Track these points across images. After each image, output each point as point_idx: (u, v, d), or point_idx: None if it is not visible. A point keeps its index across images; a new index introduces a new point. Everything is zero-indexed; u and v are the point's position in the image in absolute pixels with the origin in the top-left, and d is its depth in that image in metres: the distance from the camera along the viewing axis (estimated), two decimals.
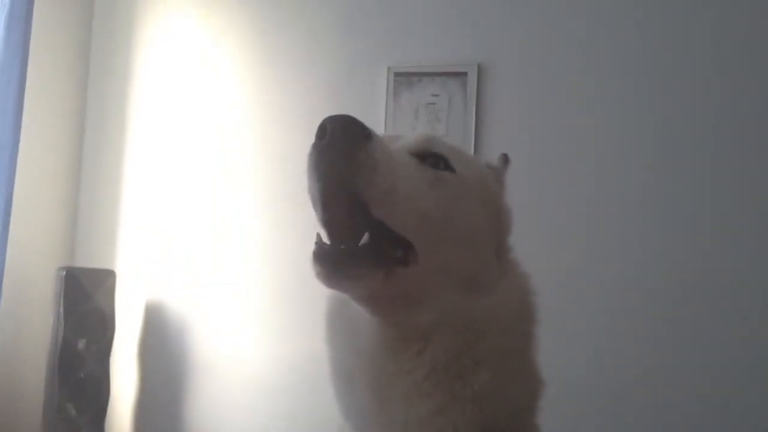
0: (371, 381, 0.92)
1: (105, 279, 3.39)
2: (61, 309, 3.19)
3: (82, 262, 3.65)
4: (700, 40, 2.82)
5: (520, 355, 0.98)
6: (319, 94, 3.31)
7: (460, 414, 0.90)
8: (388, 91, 3.13)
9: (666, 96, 2.82)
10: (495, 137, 2.97)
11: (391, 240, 0.88)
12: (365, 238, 0.85)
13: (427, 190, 0.92)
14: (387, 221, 0.87)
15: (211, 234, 3.47)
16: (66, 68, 3.73)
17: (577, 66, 2.96)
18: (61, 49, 3.70)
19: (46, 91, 3.59)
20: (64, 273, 3.23)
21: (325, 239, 0.90)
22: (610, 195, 2.84)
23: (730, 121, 2.75)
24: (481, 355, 0.92)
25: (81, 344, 3.25)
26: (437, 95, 3.06)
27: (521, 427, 0.98)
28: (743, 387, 2.59)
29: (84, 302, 3.26)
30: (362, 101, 3.21)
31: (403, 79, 3.12)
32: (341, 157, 0.85)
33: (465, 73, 3.04)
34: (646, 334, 2.72)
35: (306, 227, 3.27)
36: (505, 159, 1.18)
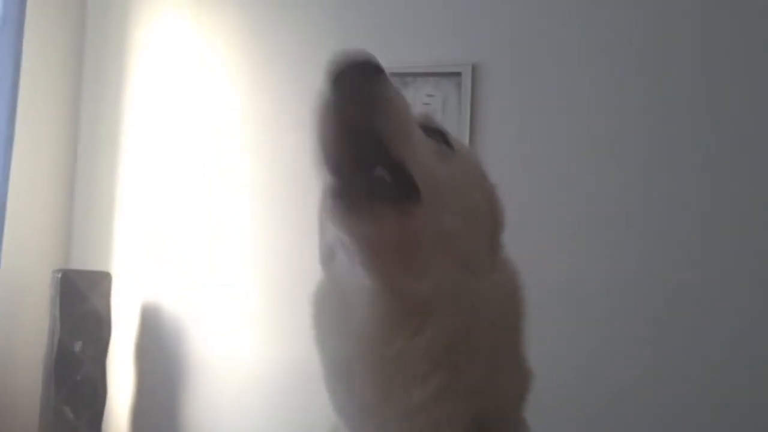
0: (369, 367, 0.92)
1: (101, 281, 3.39)
2: (57, 311, 3.19)
3: (78, 264, 3.65)
4: (696, 40, 2.83)
5: (511, 349, 0.99)
6: (312, 94, 3.30)
7: (454, 405, 0.91)
8: None
9: (661, 96, 2.83)
10: (490, 137, 2.97)
11: (401, 182, 0.86)
12: (380, 172, 0.84)
13: (435, 158, 0.92)
14: (407, 161, 0.85)
15: (207, 235, 3.47)
16: (59, 70, 3.72)
17: (571, 66, 2.96)
18: (54, 50, 3.69)
19: (40, 93, 3.58)
20: (60, 275, 3.23)
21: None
22: (605, 195, 2.84)
23: (727, 120, 2.76)
24: (474, 347, 0.92)
25: (77, 346, 3.25)
26: (432, 96, 3.06)
27: (509, 421, 0.98)
28: (743, 386, 2.60)
29: (80, 304, 3.25)
30: None
31: (397, 80, 3.11)
32: (360, 91, 0.83)
33: (459, 74, 3.04)
34: (644, 334, 2.73)
35: (302, 228, 3.29)
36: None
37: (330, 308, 1.01)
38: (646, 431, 2.68)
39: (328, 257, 1.00)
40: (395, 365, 0.91)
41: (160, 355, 3.47)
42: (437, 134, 0.98)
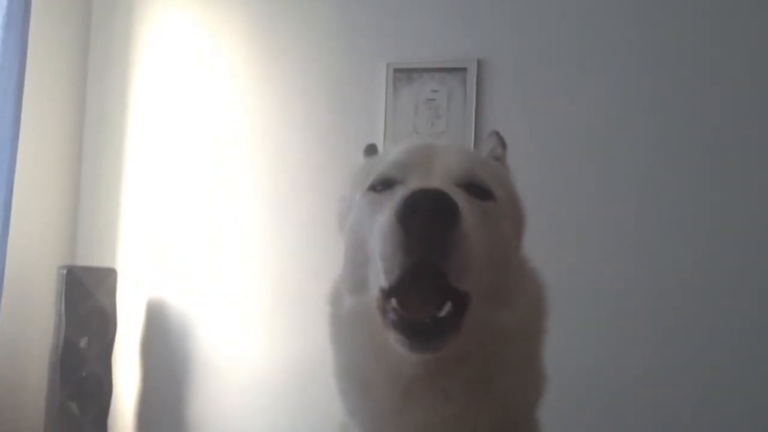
0: (395, 389, 0.91)
1: (106, 277, 3.39)
2: (63, 308, 3.20)
3: (83, 260, 3.65)
4: (705, 34, 2.81)
5: (536, 353, 1.00)
6: (318, 91, 3.31)
7: (480, 416, 0.91)
8: (387, 88, 3.13)
9: (667, 90, 2.82)
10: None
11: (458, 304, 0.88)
12: (447, 308, 0.85)
13: (481, 229, 0.91)
14: (461, 287, 0.86)
15: (212, 232, 3.47)
16: (65, 67, 3.72)
17: (576, 61, 2.95)
18: (59, 47, 3.69)
19: (45, 90, 3.58)
20: (65, 271, 3.23)
21: (385, 283, 0.87)
22: (611, 190, 2.84)
23: (733, 115, 2.74)
24: (508, 361, 0.94)
25: (83, 343, 3.26)
26: (437, 91, 3.06)
27: (526, 422, 1.00)
28: (745, 385, 2.59)
29: (85, 301, 3.26)
30: (361, 98, 3.21)
31: (403, 75, 3.12)
32: (434, 239, 0.83)
33: (464, 69, 3.04)
34: (647, 332, 2.72)
35: (306, 225, 3.29)
36: (501, 140, 1.19)
37: (356, 324, 0.99)
38: (649, 428, 2.67)
39: (359, 287, 0.98)
40: (422, 383, 0.91)
41: (166, 351, 3.48)
42: (482, 190, 0.97)
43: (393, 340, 0.87)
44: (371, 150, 1.26)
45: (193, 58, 3.60)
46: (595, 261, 2.81)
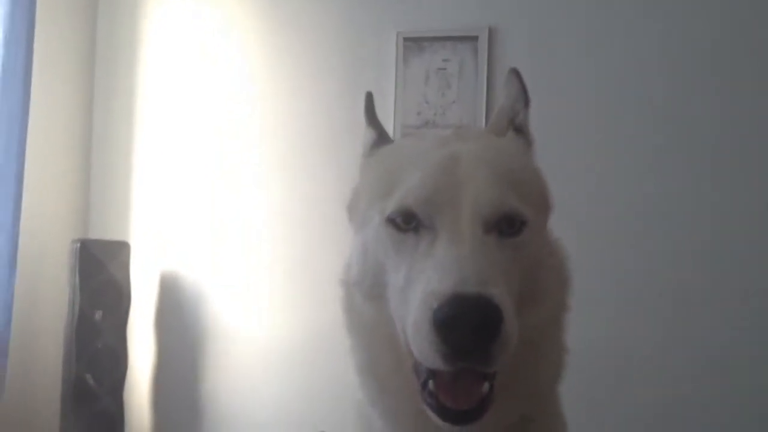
0: (415, 394, 0.89)
1: (119, 250, 3.41)
2: (77, 281, 3.21)
3: (96, 234, 3.66)
4: (725, 9, 2.76)
5: (562, 333, 1.00)
6: (328, 61, 3.28)
7: (507, 404, 0.90)
8: (397, 57, 3.10)
9: (686, 58, 2.76)
10: None
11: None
12: (485, 389, 0.84)
13: (513, 267, 0.88)
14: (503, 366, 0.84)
15: (224, 205, 3.46)
16: (73, 38, 3.71)
17: (590, 30, 2.91)
18: (68, 18, 3.67)
19: (55, 63, 3.57)
20: (79, 245, 3.25)
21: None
22: (623, 161, 2.79)
23: (744, 93, 2.69)
24: (538, 354, 0.94)
25: (97, 316, 3.28)
26: (447, 60, 3.02)
27: (550, 397, 1.00)
28: (755, 363, 2.58)
29: (99, 274, 3.28)
30: (372, 68, 3.18)
31: (413, 45, 3.08)
32: (476, 350, 0.79)
33: (476, 37, 3.00)
34: (656, 307, 2.71)
35: (317, 196, 3.28)
36: (522, 91, 1.12)
37: (373, 332, 0.98)
38: (658, 403, 2.67)
39: (375, 297, 0.96)
40: None
41: (180, 324, 3.50)
42: (514, 220, 0.92)
43: (429, 414, 0.86)
44: (371, 108, 1.21)
45: (203, 30, 3.57)
46: (604, 234, 2.78)
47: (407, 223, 0.92)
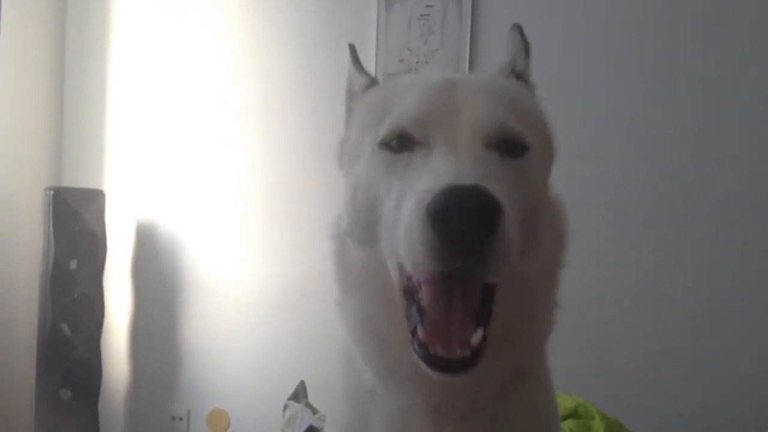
0: (408, 348, 0.85)
1: (94, 199, 3.35)
2: (51, 230, 3.16)
3: (70, 182, 3.60)
4: None
5: (555, 289, 0.97)
6: (309, 7, 3.20)
7: (500, 362, 0.88)
8: (379, 2, 3.02)
9: (675, 17, 2.70)
10: (492, 50, 2.87)
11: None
12: (478, 336, 0.79)
13: (515, 192, 0.83)
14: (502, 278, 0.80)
15: (200, 151, 3.41)
16: None
17: None
18: None
19: (25, 9, 3.45)
20: (52, 193, 3.18)
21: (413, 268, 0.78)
22: (610, 115, 2.74)
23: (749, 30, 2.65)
24: (531, 310, 0.92)
25: (73, 264, 3.24)
26: (431, 6, 2.95)
27: (537, 354, 0.99)
28: (741, 315, 2.58)
29: (73, 222, 3.22)
30: (353, 13, 3.10)
31: None
32: (472, 247, 0.72)
33: None
34: (642, 259, 2.70)
35: (296, 142, 3.22)
36: (524, 42, 1.10)
37: (366, 279, 0.93)
38: (643, 355, 2.69)
39: (368, 241, 0.91)
40: None
41: (157, 272, 3.47)
42: (515, 144, 0.88)
43: (420, 364, 0.81)
44: (357, 59, 1.16)
45: None
46: (591, 187, 2.73)
47: (402, 145, 0.87)
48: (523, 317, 0.90)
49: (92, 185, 3.50)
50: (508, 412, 0.92)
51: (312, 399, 2.60)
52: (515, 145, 0.87)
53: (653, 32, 2.71)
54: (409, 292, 0.84)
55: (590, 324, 2.57)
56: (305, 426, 2.37)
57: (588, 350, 2.59)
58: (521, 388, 0.93)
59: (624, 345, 2.65)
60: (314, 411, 2.48)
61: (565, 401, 2.01)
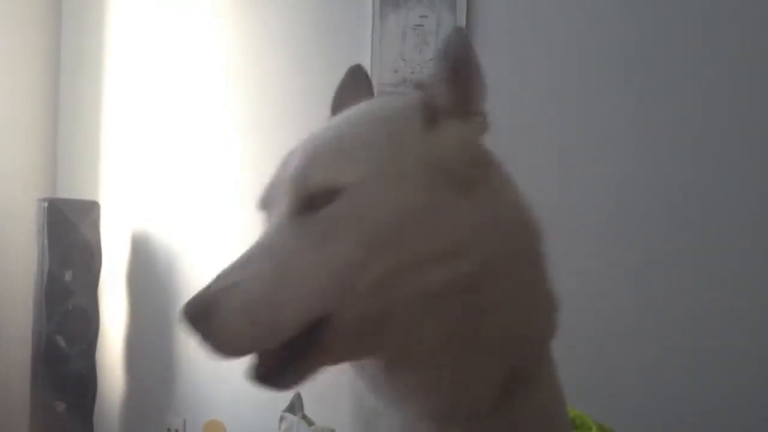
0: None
1: (89, 210, 3.34)
2: (45, 241, 3.15)
3: (65, 193, 3.59)
4: None
5: (530, 286, 0.89)
6: (303, 16, 3.20)
7: (483, 357, 0.85)
8: (374, 13, 3.02)
9: (677, 19, 2.70)
10: (488, 60, 2.84)
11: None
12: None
13: (314, 251, 0.78)
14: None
15: (195, 162, 3.40)
16: None
17: None
18: None
19: (19, 15, 3.46)
20: (47, 204, 3.17)
21: None
22: (611, 129, 2.73)
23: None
24: (485, 304, 0.83)
25: (67, 276, 3.23)
26: (425, 16, 2.96)
27: (541, 361, 0.93)
28: (738, 315, 2.58)
29: (68, 234, 3.21)
30: (347, 24, 3.10)
31: (390, 0, 3.00)
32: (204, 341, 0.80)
33: None
34: (638, 258, 2.70)
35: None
36: (460, 38, 0.92)
37: None
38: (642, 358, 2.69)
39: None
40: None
41: (152, 284, 3.46)
42: (321, 195, 0.80)
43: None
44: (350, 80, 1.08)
45: None
46: (592, 188, 2.72)
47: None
48: (507, 314, 0.85)
49: (87, 196, 3.49)
50: (516, 414, 0.89)
51: (308, 411, 2.59)
52: (325, 194, 0.80)
53: (653, 32, 2.69)
54: None
55: (589, 325, 2.56)
56: None
57: (588, 351, 2.58)
58: (527, 389, 0.89)
59: (624, 345, 2.64)
60: (310, 423, 2.47)
61: None
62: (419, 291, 0.79)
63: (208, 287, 0.77)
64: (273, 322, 0.76)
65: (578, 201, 2.72)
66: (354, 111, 0.91)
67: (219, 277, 0.78)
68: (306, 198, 0.80)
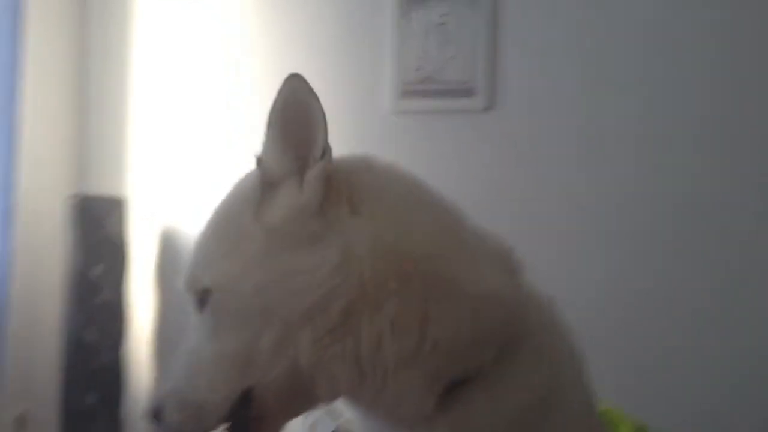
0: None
1: (117, 206, 3.40)
2: (74, 237, 3.21)
3: (93, 189, 3.65)
4: None
5: (425, 301, 0.85)
6: (325, 15, 3.22)
7: (416, 369, 0.85)
8: (394, 12, 3.03)
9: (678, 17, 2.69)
10: (512, 60, 2.84)
11: None
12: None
13: (212, 342, 0.94)
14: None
15: (225, 157, 3.43)
16: None
17: None
18: None
19: (48, 14, 3.51)
20: (75, 201, 3.24)
21: None
22: (626, 125, 2.73)
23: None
24: (380, 328, 0.85)
25: (96, 271, 3.28)
26: (447, 14, 2.96)
27: (499, 359, 0.88)
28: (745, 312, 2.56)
29: (96, 230, 3.27)
30: (368, 24, 3.12)
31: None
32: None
33: None
34: (649, 254, 2.69)
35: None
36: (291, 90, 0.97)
37: None
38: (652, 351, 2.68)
39: None
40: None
41: (179, 278, 3.49)
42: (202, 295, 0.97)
43: None
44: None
45: None
46: (592, 188, 2.70)
47: None
48: (407, 333, 0.85)
49: (115, 192, 3.55)
50: (466, 412, 0.87)
51: (336, 403, 2.61)
52: (204, 292, 0.96)
53: (662, 35, 2.69)
54: None
55: (589, 325, 2.55)
56: (329, 431, 2.39)
57: (588, 351, 2.57)
58: (478, 388, 0.87)
59: (624, 347, 2.62)
60: (337, 416, 2.49)
61: None
62: (313, 343, 0.85)
63: (159, 390, 0.96)
64: (201, 410, 0.89)
65: (579, 202, 2.71)
66: (216, 206, 1.06)
67: (166, 380, 0.96)
68: (198, 297, 0.96)
